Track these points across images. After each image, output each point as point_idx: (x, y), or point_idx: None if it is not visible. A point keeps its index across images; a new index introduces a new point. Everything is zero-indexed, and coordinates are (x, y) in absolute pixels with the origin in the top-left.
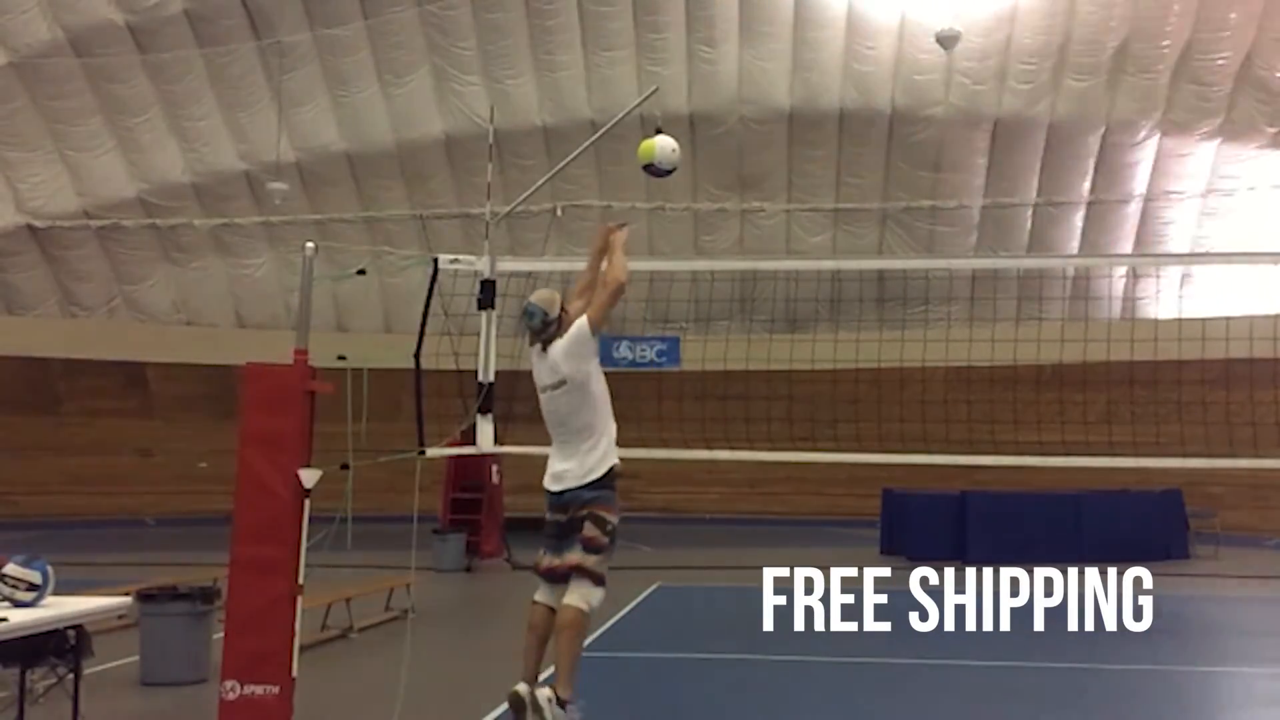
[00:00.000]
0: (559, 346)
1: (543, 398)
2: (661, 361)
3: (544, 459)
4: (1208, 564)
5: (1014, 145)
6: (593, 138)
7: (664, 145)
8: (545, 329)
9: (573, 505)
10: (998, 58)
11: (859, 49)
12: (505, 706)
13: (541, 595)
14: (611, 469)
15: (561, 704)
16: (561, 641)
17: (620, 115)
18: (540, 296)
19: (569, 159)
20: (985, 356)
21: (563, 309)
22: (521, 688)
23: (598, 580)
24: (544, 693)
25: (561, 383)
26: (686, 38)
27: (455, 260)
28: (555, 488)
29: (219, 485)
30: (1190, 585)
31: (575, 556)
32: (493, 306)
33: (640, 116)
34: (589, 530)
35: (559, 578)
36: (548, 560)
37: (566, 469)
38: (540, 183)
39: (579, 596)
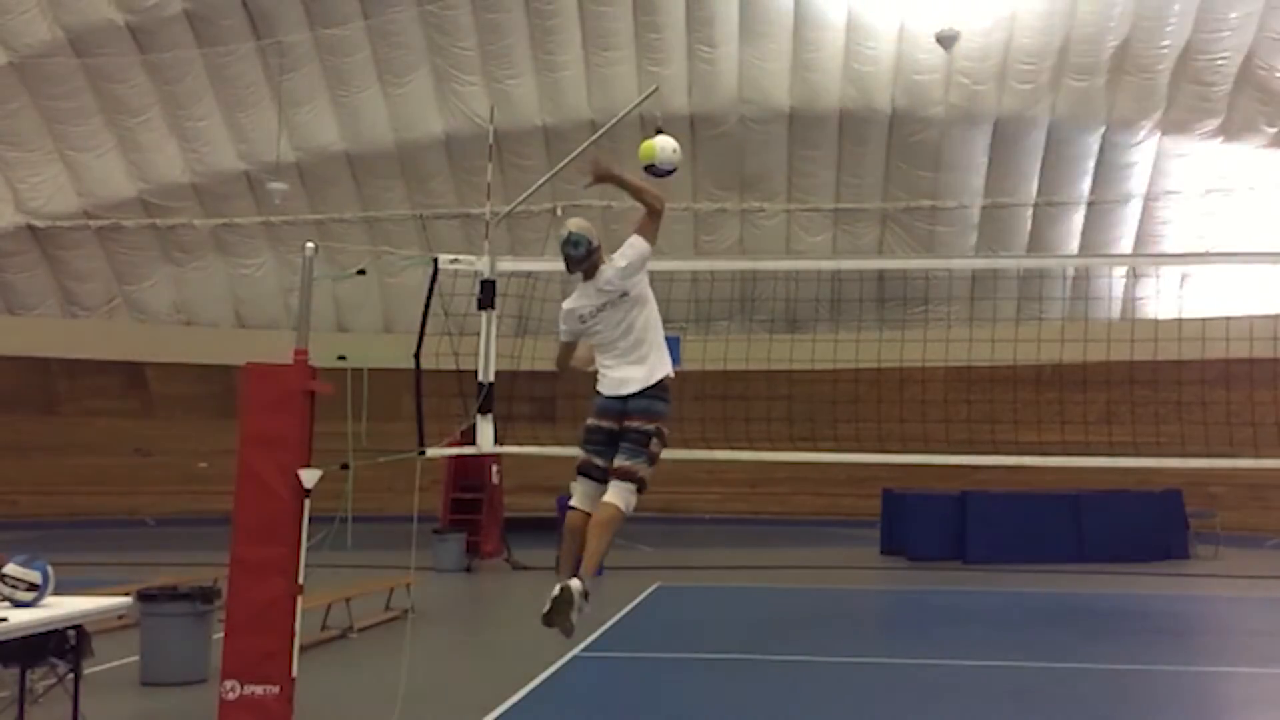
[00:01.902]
0: (614, 264)
1: (594, 320)
2: None
3: (544, 459)
4: (1208, 564)
5: (1014, 145)
6: (593, 137)
7: (664, 145)
8: (589, 256)
9: (638, 415)
10: (997, 58)
11: (859, 49)
12: (505, 705)
13: (578, 500)
14: (668, 376)
15: (585, 596)
16: (597, 537)
17: (620, 115)
18: (579, 225)
19: (569, 159)
20: (985, 356)
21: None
22: (575, 584)
23: (643, 487)
24: (576, 584)
25: (624, 295)
26: (686, 38)
27: (455, 260)
28: (619, 392)
29: (219, 485)
30: (1190, 585)
31: (638, 466)
32: (493, 306)
33: (640, 116)
34: (655, 446)
35: (601, 477)
36: (595, 461)
37: (631, 375)
38: (540, 183)
39: (621, 499)
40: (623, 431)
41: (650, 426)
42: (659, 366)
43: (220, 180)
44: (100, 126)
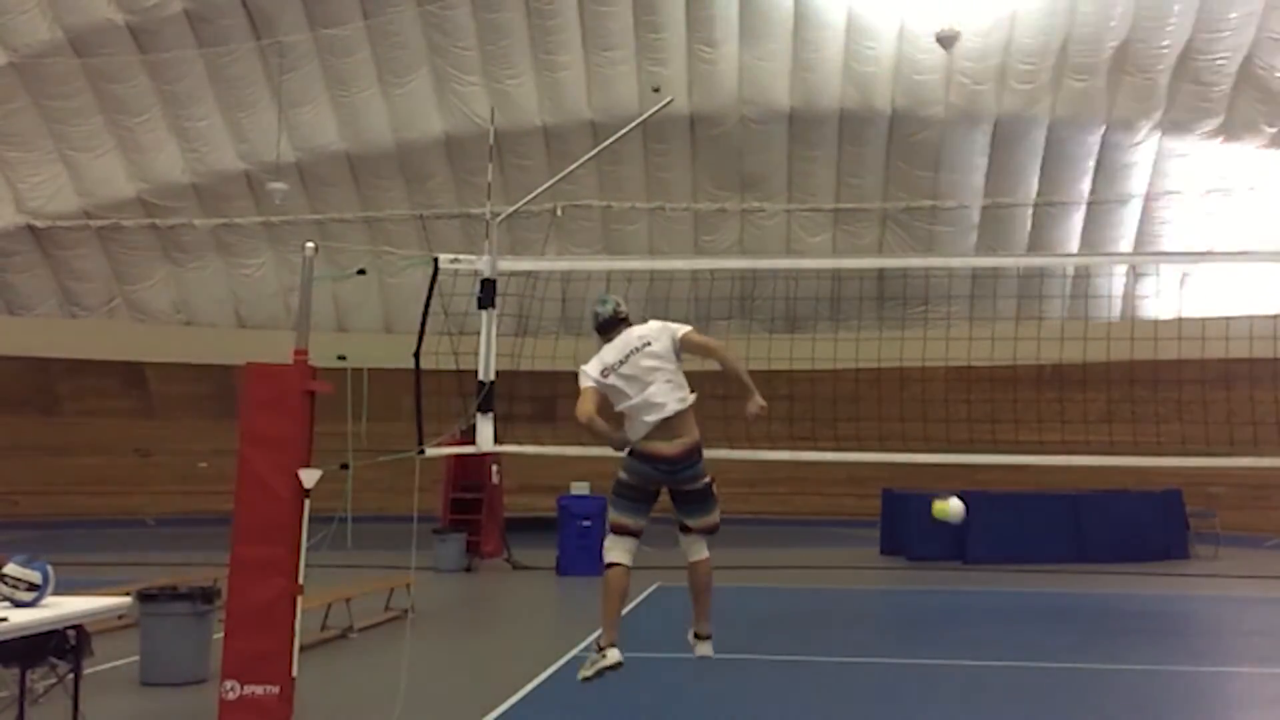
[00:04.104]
0: (643, 327)
1: (623, 369)
2: None
3: (544, 459)
4: (1208, 564)
5: (1014, 145)
6: (603, 144)
7: (955, 508)
8: (614, 315)
9: (693, 479)
10: (997, 58)
11: (859, 49)
12: (506, 705)
13: (620, 555)
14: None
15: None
16: (709, 590)
17: (632, 125)
18: (614, 295)
19: (579, 162)
20: (985, 356)
21: None
22: (617, 653)
23: None
24: (705, 647)
25: (647, 344)
26: (686, 38)
27: (455, 260)
28: (676, 462)
29: (219, 485)
30: (1190, 585)
31: (717, 515)
32: (493, 306)
33: (642, 129)
34: (715, 490)
35: (637, 534)
36: (636, 522)
37: (684, 444)
38: (546, 186)
39: (707, 548)
40: (683, 495)
41: (706, 480)
42: (695, 430)
43: (220, 180)
44: (100, 126)
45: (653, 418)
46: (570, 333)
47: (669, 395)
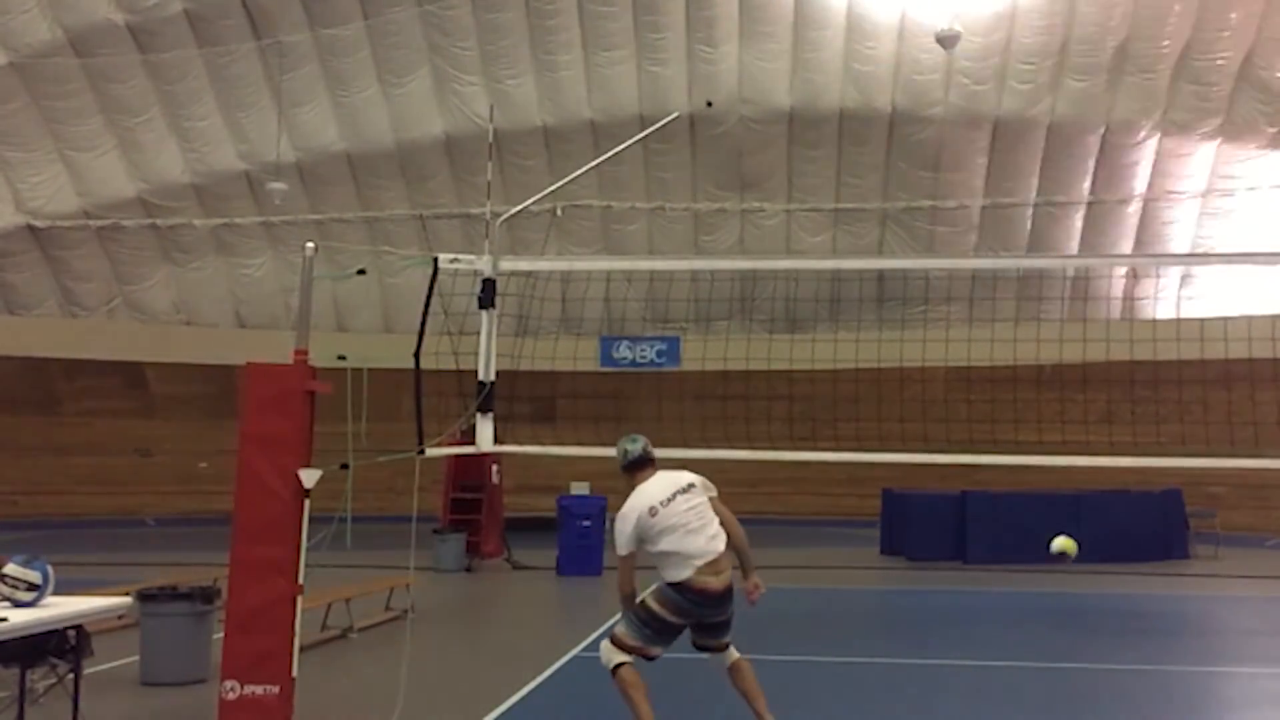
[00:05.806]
0: (683, 473)
1: (668, 509)
2: (661, 361)
3: (543, 459)
4: (1208, 564)
5: (1014, 145)
6: (607, 154)
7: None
8: (644, 454)
9: (725, 609)
10: (998, 58)
11: (859, 49)
12: (505, 705)
13: (625, 656)
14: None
15: None
16: (758, 684)
17: (638, 137)
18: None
19: (585, 169)
20: (985, 356)
21: None
22: None
23: None
24: None
25: (692, 485)
26: (686, 38)
27: (455, 260)
28: (722, 596)
29: (219, 485)
30: (1190, 585)
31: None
32: (493, 306)
33: (640, 117)
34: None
35: (652, 660)
36: (656, 651)
37: (728, 578)
38: (551, 189)
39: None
40: (715, 625)
41: (732, 609)
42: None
43: (220, 180)
44: (100, 126)
45: (707, 558)
46: (570, 333)
47: (719, 539)
